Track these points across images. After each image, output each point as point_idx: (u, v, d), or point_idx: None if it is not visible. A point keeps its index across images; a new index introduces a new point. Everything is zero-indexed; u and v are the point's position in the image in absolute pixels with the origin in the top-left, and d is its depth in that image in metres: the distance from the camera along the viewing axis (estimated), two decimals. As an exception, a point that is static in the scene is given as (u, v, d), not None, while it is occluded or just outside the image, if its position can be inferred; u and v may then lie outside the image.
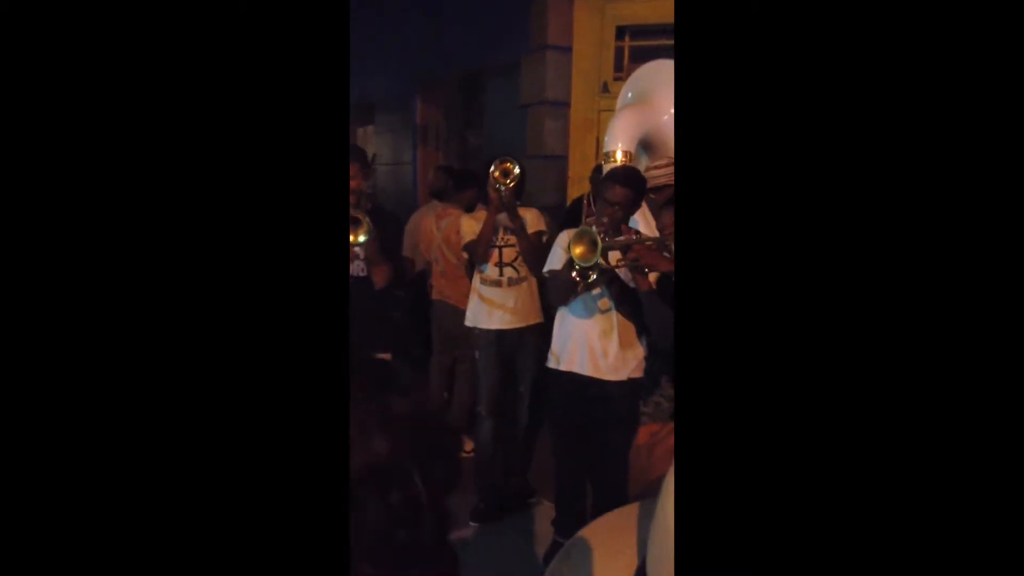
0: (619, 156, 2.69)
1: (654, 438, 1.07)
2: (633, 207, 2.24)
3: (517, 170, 2.50)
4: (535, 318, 2.78)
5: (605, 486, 2.33)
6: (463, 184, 3.35)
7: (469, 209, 3.17)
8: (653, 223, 2.48)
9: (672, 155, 2.78)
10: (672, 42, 3.56)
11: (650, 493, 0.54)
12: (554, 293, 2.35)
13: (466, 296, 3.02)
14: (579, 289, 2.24)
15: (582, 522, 2.43)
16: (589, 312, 2.28)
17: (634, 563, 0.54)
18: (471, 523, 2.71)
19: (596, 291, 2.27)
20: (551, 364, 2.40)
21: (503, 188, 2.49)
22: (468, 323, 2.79)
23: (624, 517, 0.59)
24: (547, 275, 2.38)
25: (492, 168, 2.52)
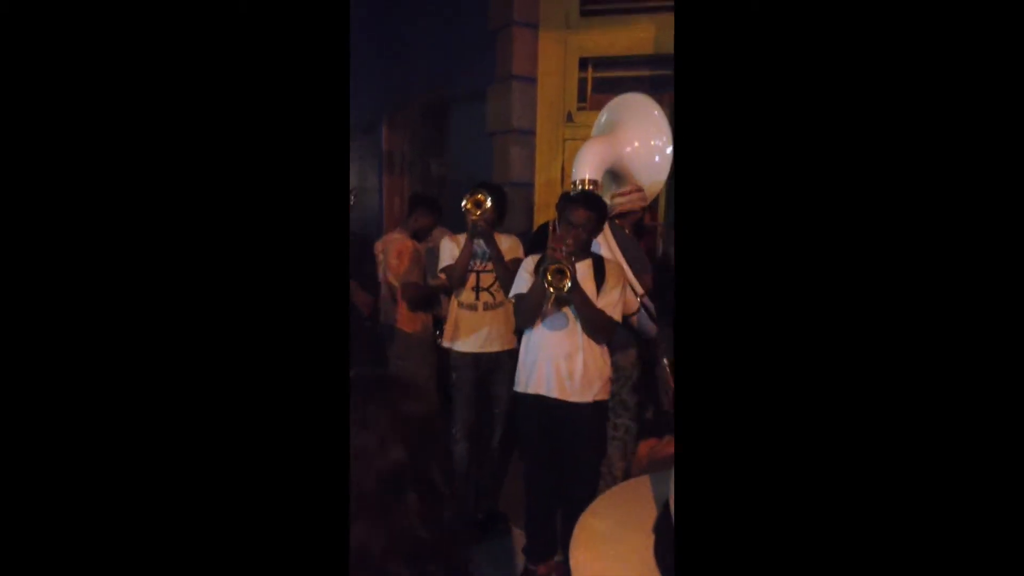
0: (585, 184, 2.75)
1: (652, 451, 1.11)
2: (596, 229, 2.30)
3: (489, 202, 2.53)
4: (510, 343, 2.79)
5: (575, 510, 2.33)
6: (413, 209, 3.39)
7: (417, 235, 3.21)
8: (615, 247, 2.54)
9: (637, 183, 2.86)
10: (633, 73, 3.68)
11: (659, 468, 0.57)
12: (521, 316, 2.37)
13: (407, 320, 3.18)
14: (546, 310, 2.27)
15: (552, 548, 2.40)
16: (557, 330, 2.30)
17: (653, 515, 0.55)
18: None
19: (562, 311, 2.30)
20: (518, 388, 2.41)
21: (476, 218, 2.52)
22: (445, 344, 2.80)
23: (637, 487, 0.62)
24: (513, 299, 2.40)
25: (464, 201, 2.54)
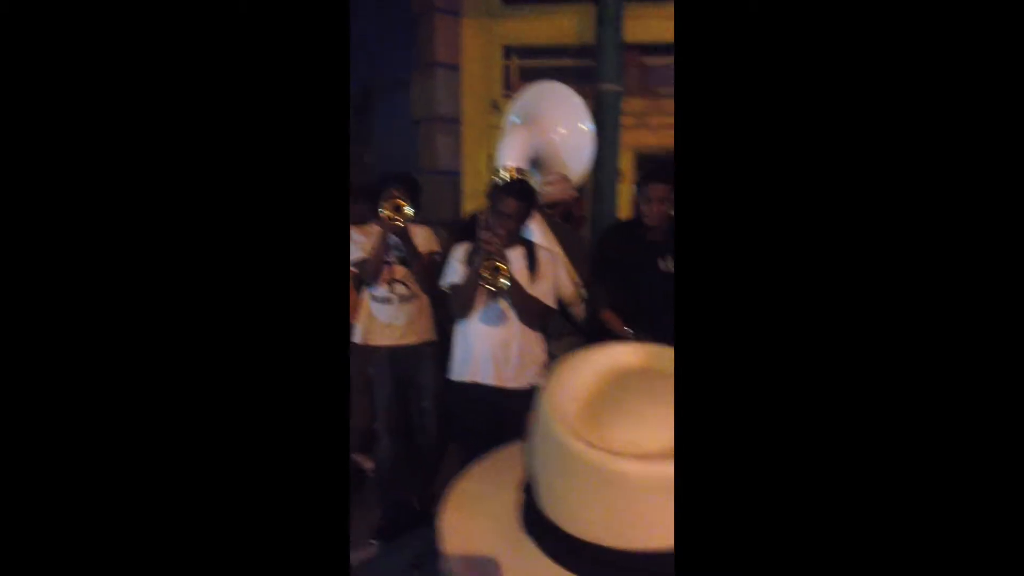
0: (511, 172, 2.78)
1: None
2: (526, 217, 2.33)
3: (408, 209, 2.49)
4: (428, 335, 2.76)
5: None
6: (354, 199, 3.31)
7: (355, 222, 3.14)
8: (551, 237, 2.58)
9: (562, 172, 2.91)
10: (557, 63, 3.72)
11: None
12: (456, 306, 2.38)
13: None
14: (480, 299, 2.29)
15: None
16: (491, 321, 2.33)
17: (520, 479, 0.58)
18: (371, 541, 2.67)
19: (497, 302, 2.33)
20: (453, 376, 2.42)
21: (398, 223, 2.49)
22: (357, 340, 2.73)
23: (512, 452, 0.63)
24: (448, 289, 2.40)
25: (381, 208, 2.50)
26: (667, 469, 0.47)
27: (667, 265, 2.44)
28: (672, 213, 2.43)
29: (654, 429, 0.50)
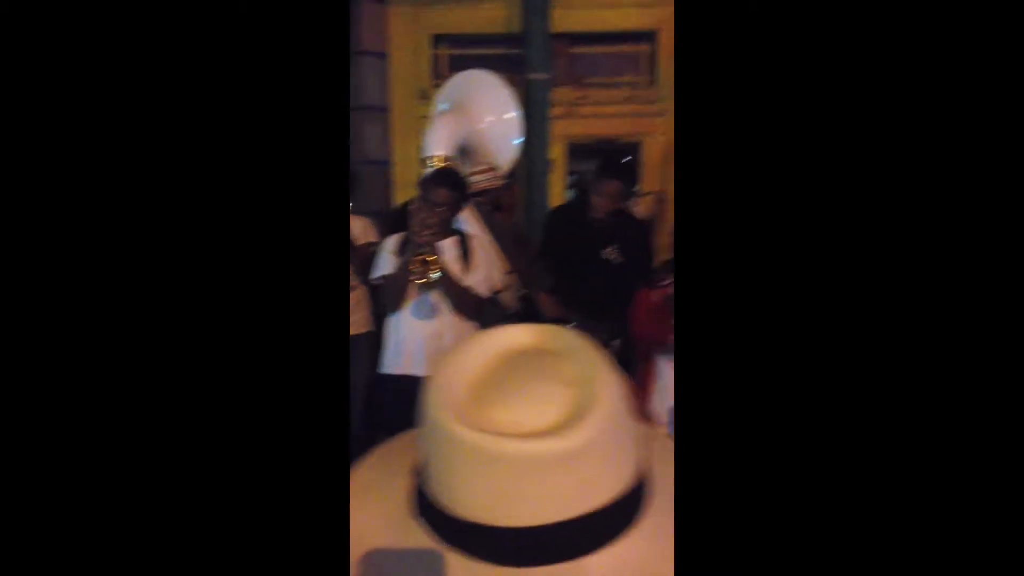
0: (439, 162, 2.76)
1: None
2: (457, 207, 2.31)
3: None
4: (364, 326, 2.75)
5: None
6: None
7: None
8: (482, 226, 2.58)
9: (490, 161, 2.90)
10: (487, 52, 3.71)
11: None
12: (387, 298, 2.34)
13: None
14: (412, 293, 2.27)
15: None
16: (424, 314, 2.31)
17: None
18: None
19: (428, 294, 2.31)
20: (384, 370, 2.39)
21: None
22: None
23: (410, 439, 0.63)
24: (380, 280, 2.37)
25: None
26: (546, 446, 0.48)
27: (610, 254, 2.50)
28: (620, 206, 2.49)
29: (538, 407, 0.51)
